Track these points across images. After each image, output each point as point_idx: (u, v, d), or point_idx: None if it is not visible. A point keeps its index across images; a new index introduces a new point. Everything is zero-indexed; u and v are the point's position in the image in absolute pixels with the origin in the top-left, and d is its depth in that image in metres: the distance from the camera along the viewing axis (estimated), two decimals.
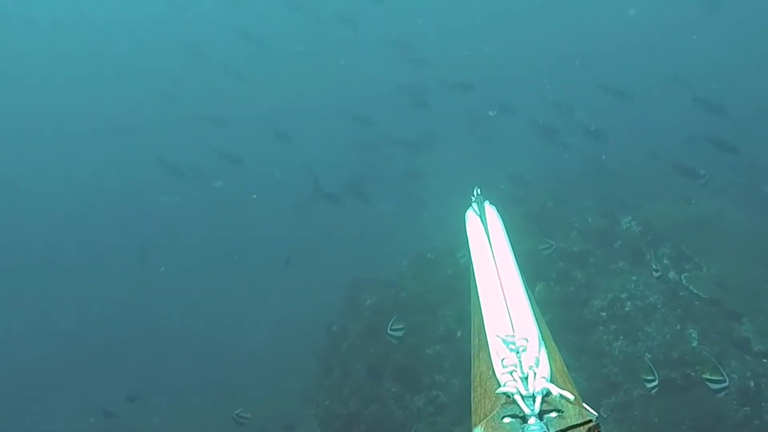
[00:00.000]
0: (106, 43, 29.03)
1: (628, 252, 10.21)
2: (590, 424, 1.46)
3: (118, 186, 22.76)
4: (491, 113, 16.71)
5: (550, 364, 1.69)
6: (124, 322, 17.13)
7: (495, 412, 1.53)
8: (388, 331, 8.10)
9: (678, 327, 9.04)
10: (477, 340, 1.90)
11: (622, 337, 9.19)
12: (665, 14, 22.50)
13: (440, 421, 8.95)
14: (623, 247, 10.32)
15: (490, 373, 1.69)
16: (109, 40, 29.05)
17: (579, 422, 1.47)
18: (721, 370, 6.92)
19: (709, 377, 6.91)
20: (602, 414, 8.35)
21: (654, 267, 8.58)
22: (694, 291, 9.41)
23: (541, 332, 1.80)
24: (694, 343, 8.82)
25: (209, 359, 15.27)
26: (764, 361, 8.59)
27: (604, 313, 9.51)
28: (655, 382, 7.02)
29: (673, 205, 11.37)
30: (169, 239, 19.94)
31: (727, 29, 18.73)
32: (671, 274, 9.75)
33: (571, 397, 1.53)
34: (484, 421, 1.53)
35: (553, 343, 1.86)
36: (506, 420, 1.50)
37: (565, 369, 1.78)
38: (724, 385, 6.85)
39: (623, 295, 9.62)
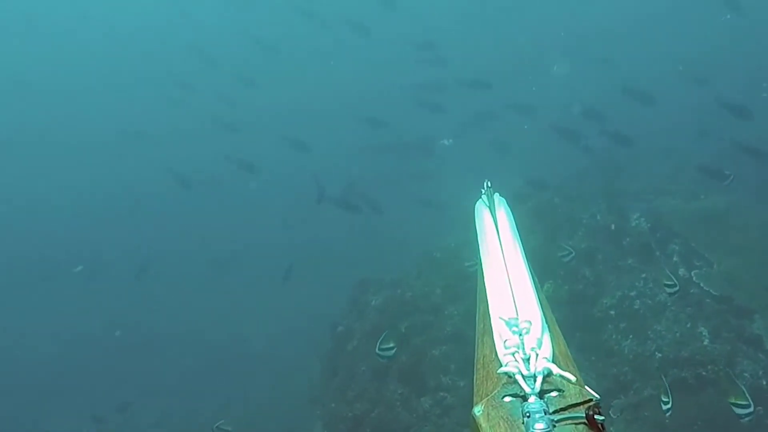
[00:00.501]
0: (113, 51, 28.86)
1: (637, 249, 10.05)
2: (590, 403, 1.46)
3: (123, 192, 22.68)
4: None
5: (553, 347, 1.72)
6: (130, 326, 17.06)
7: (496, 391, 1.56)
8: (377, 351, 7.51)
9: (688, 325, 8.89)
10: (482, 325, 1.96)
11: (631, 336, 9.05)
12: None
13: (447, 423, 8.83)
14: (632, 243, 10.16)
15: (493, 356, 1.73)
16: (116, 47, 28.87)
17: (579, 401, 1.48)
18: (746, 394, 6.68)
19: (734, 401, 6.73)
20: (611, 415, 8.22)
21: (667, 282, 8.02)
22: (705, 288, 9.25)
23: (545, 317, 1.82)
24: (705, 342, 8.67)
25: (216, 361, 15.24)
26: None
27: (613, 312, 9.37)
28: (669, 405, 6.86)
29: (682, 201, 11.21)
30: (176, 242, 19.89)
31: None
32: (681, 271, 9.58)
33: (572, 378, 1.54)
34: (485, 399, 1.55)
35: (557, 328, 1.90)
36: (507, 399, 1.52)
37: (569, 352, 1.82)
38: (749, 410, 6.53)
39: (632, 293, 9.48)
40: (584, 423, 1.43)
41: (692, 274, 9.47)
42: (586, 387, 1.56)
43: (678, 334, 8.82)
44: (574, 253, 9.06)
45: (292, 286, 14.97)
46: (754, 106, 11.45)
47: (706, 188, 11.24)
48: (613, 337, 9.12)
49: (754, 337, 8.68)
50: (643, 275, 9.64)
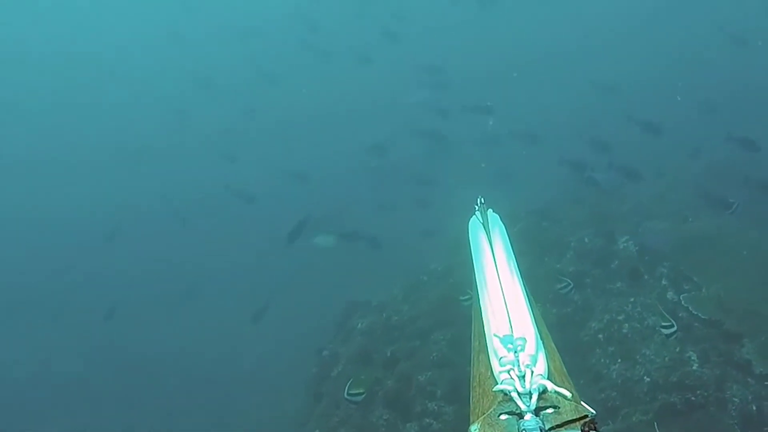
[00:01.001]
0: (110, 76, 28.62)
1: (626, 272, 9.96)
2: (586, 419, 1.49)
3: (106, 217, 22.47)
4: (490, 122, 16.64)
5: (548, 363, 1.75)
6: (118, 349, 16.85)
7: (492, 409, 1.57)
8: (345, 396, 7.34)
9: (677, 349, 8.77)
10: (477, 343, 2.06)
11: (620, 360, 8.93)
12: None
13: None
14: (620, 267, 10.07)
15: (489, 373, 1.77)
16: (114, 72, 28.63)
17: (574, 417, 1.50)
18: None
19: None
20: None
21: (664, 324, 7.86)
22: (694, 312, 9.16)
23: (539, 333, 1.86)
24: (694, 366, 8.54)
25: (203, 384, 15.04)
26: (766, 383, 8.31)
27: (601, 336, 9.26)
28: (674, 328, 7.00)
29: (670, 223, 11.14)
30: (166, 263, 19.68)
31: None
32: (670, 295, 9.50)
33: (568, 394, 1.57)
34: (481, 418, 1.56)
35: (552, 344, 1.97)
36: (503, 417, 1.54)
37: (564, 368, 1.85)
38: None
39: (621, 317, 9.38)
40: None
41: (681, 297, 9.38)
42: (582, 402, 1.59)
43: (667, 359, 8.71)
44: (572, 285, 8.95)
45: (280, 309, 14.91)
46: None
47: (694, 211, 11.18)
48: (602, 361, 9.00)
49: (744, 362, 8.55)
50: (632, 299, 9.55)
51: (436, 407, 8.90)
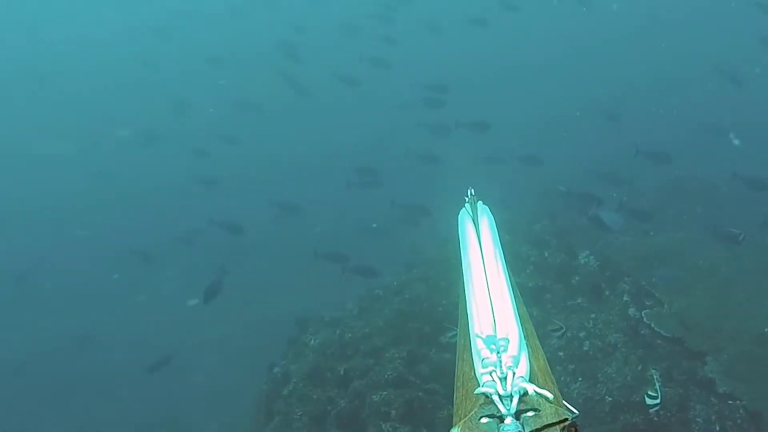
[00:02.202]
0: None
1: (587, 288, 9.72)
2: (566, 423, 1.46)
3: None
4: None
5: (531, 363, 1.73)
6: (65, 356, 16.20)
7: (473, 412, 1.55)
8: None
9: (639, 368, 8.56)
10: (462, 341, 1.96)
11: (580, 379, 8.68)
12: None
13: None
14: (581, 283, 9.83)
15: (472, 374, 1.73)
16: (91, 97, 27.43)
17: (554, 421, 1.47)
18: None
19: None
20: None
21: (651, 393, 7.34)
22: (656, 329, 8.97)
23: (524, 332, 1.82)
24: (657, 386, 8.31)
25: (152, 399, 14.48)
26: (730, 403, 8.17)
27: (561, 353, 9.00)
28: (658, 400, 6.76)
29: (632, 237, 10.95)
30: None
31: None
32: (631, 311, 9.30)
33: (550, 396, 1.53)
34: (462, 421, 1.55)
35: (537, 343, 1.93)
36: (483, 420, 1.52)
37: (548, 368, 1.84)
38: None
39: (581, 334, 9.14)
40: None
41: (643, 314, 9.19)
42: (565, 403, 1.58)
43: (629, 377, 8.51)
44: (564, 329, 8.61)
45: (234, 318, 14.48)
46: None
47: (655, 225, 11.01)
48: (562, 379, 8.73)
49: (707, 381, 8.39)
50: (593, 315, 9.32)
51: (390, 428, 8.50)
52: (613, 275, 9.86)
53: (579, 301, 9.58)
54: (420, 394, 8.59)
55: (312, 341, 10.39)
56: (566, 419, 1.49)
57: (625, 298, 9.50)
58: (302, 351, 10.43)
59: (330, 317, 10.78)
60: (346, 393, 9.06)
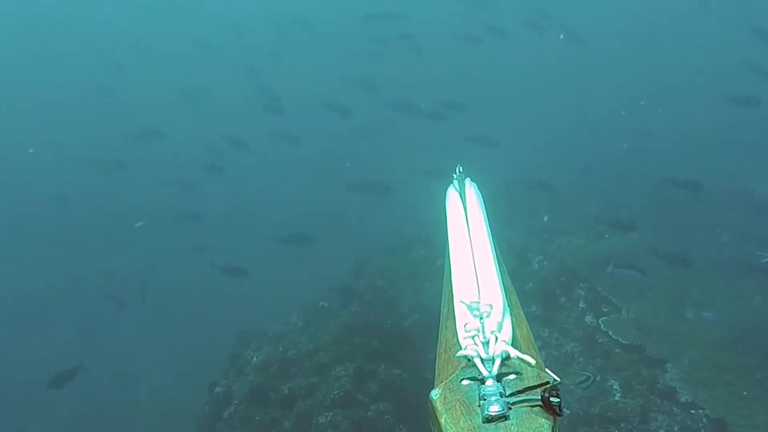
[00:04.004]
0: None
1: (541, 295, 9.32)
2: (547, 386, 1.47)
3: None
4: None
5: (514, 330, 1.79)
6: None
7: (454, 374, 1.59)
8: None
9: (598, 378, 8.17)
10: (446, 309, 2.02)
11: None
12: None
13: None
14: (535, 289, 9.42)
15: (455, 340, 1.78)
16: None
17: (536, 384, 1.49)
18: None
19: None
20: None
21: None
22: (614, 337, 8.60)
23: (508, 300, 1.88)
24: (617, 396, 8.01)
25: (98, 406, 13.76)
26: (692, 412, 7.84)
27: None
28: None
29: (586, 240, 10.59)
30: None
31: None
32: (588, 318, 8.94)
33: (532, 361, 1.58)
34: (443, 383, 1.57)
35: (521, 312, 2.04)
36: (465, 382, 1.54)
37: (531, 336, 1.94)
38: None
39: (537, 344, 8.69)
40: (540, 405, 1.44)
41: (600, 321, 8.84)
42: (547, 370, 1.63)
43: (587, 389, 8.09)
44: (593, 378, 8.14)
45: (175, 338, 13.84)
46: None
47: (610, 226, 10.68)
48: None
49: (668, 389, 8.05)
50: (545, 331, 8.93)
51: None
52: (568, 281, 9.48)
53: (533, 309, 9.16)
54: (369, 413, 8.09)
55: (254, 358, 9.83)
56: (547, 382, 1.48)
57: (581, 305, 9.14)
58: (244, 369, 9.85)
59: (273, 332, 10.23)
60: (291, 414, 8.53)
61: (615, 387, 8.11)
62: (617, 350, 8.51)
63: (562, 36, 18.91)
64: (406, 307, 9.54)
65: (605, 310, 9.05)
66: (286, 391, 8.84)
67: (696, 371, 8.25)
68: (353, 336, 9.00)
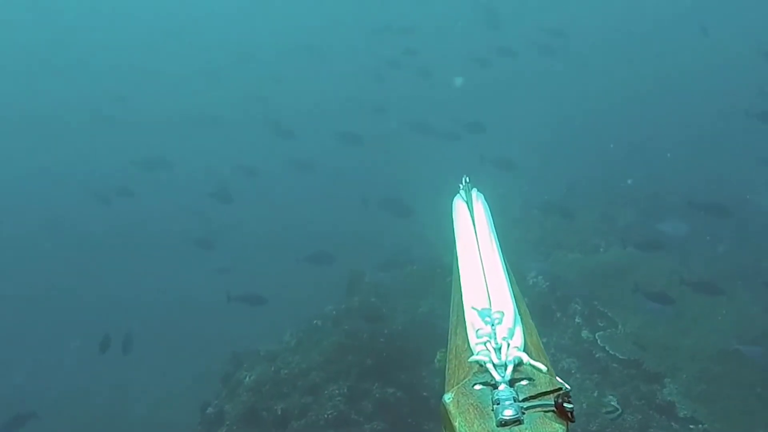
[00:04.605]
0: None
1: (536, 310, 9.19)
2: (560, 392, 1.47)
3: None
4: None
5: (525, 338, 1.76)
6: None
7: (467, 379, 1.58)
8: None
9: (595, 394, 8.09)
10: (455, 317, 2.02)
11: None
12: None
13: None
14: (530, 305, 9.25)
15: (465, 346, 1.77)
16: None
17: (549, 389, 1.49)
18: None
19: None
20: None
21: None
22: (611, 352, 8.49)
23: (518, 308, 1.86)
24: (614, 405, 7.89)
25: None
26: (691, 427, 7.75)
27: None
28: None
29: (581, 254, 10.48)
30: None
31: None
32: (585, 333, 8.81)
33: (543, 368, 1.57)
34: (456, 387, 1.57)
35: (530, 321, 1.99)
36: (477, 387, 1.54)
37: (541, 345, 1.89)
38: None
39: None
40: (553, 411, 1.43)
41: (596, 336, 8.72)
42: (557, 377, 1.58)
43: (585, 405, 7.99)
44: (621, 411, 8.02)
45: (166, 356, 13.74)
46: None
47: (606, 239, 10.59)
48: None
49: (666, 404, 7.97)
50: (544, 339, 8.76)
51: None
52: (563, 296, 9.37)
53: None
54: None
55: (247, 378, 9.67)
56: (560, 389, 1.50)
57: (577, 320, 9.02)
58: (236, 389, 9.70)
59: (265, 351, 10.08)
60: None
61: (613, 403, 8.01)
62: (614, 365, 8.40)
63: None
64: (399, 325, 9.42)
65: (602, 324, 8.94)
66: (279, 412, 8.71)
67: (695, 386, 8.15)
68: (346, 354, 8.87)
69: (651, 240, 10.07)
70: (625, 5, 26.61)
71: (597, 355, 8.53)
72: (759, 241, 10.95)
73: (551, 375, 1.57)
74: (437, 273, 10.04)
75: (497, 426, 1.41)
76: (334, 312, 9.86)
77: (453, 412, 1.49)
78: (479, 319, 1.77)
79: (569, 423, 1.44)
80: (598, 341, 8.63)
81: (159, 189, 18.49)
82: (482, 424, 1.43)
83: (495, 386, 1.50)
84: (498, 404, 1.43)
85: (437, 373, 8.69)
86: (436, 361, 8.58)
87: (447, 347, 1.93)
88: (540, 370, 1.56)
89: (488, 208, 2.47)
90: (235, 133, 21.20)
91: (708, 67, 20.26)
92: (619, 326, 8.87)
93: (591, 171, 14.88)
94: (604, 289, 9.43)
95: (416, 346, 9.00)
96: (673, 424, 7.79)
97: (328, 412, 8.31)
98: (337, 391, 8.49)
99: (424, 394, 8.54)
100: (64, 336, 16.50)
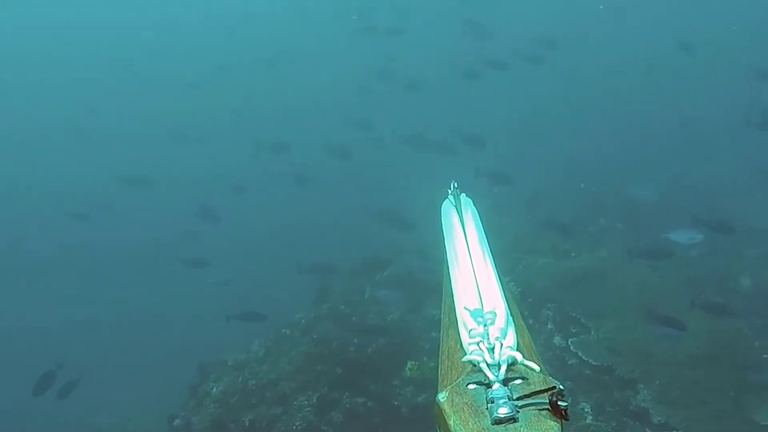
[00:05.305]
0: None
1: None
2: (554, 390, 1.50)
3: None
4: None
5: (517, 338, 1.78)
6: None
7: (460, 379, 1.60)
8: None
9: (569, 401, 7.92)
10: (447, 319, 2.05)
11: None
12: None
13: None
14: None
15: (458, 346, 1.80)
16: None
17: (543, 388, 1.52)
18: None
19: None
20: None
21: None
22: (584, 358, 8.40)
23: (510, 310, 1.88)
24: (588, 419, 7.83)
25: None
26: None
27: None
28: None
29: (552, 259, 10.39)
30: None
31: None
32: (557, 340, 8.73)
33: (536, 367, 1.60)
34: (449, 387, 1.58)
35: (522, 322, 2.00)
36: (471, 386, 1.56)
37: (533, 345, 1.91)
38: None
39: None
40: (548, 409, 1.47)
41: (569, 342, 8.62)
42: (550, 377, 1.59)
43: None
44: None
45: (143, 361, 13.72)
46: None
47: (576, 244, 10.51)
48: None
49: (641, 410, 7.91)
50: None
51: None
52: (535, 301, 9.27)
53: None
54: None
55: (214, 389, 9.48)
56: (554, 387, 1.52)
57: (549, 326, 8.94)
58: (204, 400, 9.51)
59: (233, 361, 9.89)
60: None
61: (586, 410, 7.97)
62: (587, 372, 8.34)
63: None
64: (370, 333, 9.27)
65: (574, 330, 8.85)
66: (247, 423, 8.64)
67: (668, 391, 8.09)
68: (316, 364, 8.72)
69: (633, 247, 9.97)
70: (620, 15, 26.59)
71: (570, 362, 8.46)
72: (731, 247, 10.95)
73: (544, 374, 1.59)
74: (410, 280, 9.95)
75: (492, 424, 1.43)
76: (303, 321, 9.69)
77: (447, 411, 1.50)
78: (472, 319, 1.79)
79: (564, 421, 1.47)
80: (571, 347, 8.54)
81: (133, 204, 18.33)
82: (477, 423, 1.45)
83: (489, 385, 1.52)
84: (492, 403, 1.45)
85: (408, 383, 8.56)
86: (407, 370, 8.47)
87: (440, 349, 1.96)
88: (533, 369, 1.58)
89: (477, 212, 2.51)
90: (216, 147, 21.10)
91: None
92: (592, 332, 8.78)
93: (560, 176, 14.89)
94: (577, 294, 9.35)
95: (387, 354, 8.86)
96: (647, 430, 7.76)
97: (298, 423, 8.21)
98: (306, 402, 8.38)
99: (395, 403, 8.41)
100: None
